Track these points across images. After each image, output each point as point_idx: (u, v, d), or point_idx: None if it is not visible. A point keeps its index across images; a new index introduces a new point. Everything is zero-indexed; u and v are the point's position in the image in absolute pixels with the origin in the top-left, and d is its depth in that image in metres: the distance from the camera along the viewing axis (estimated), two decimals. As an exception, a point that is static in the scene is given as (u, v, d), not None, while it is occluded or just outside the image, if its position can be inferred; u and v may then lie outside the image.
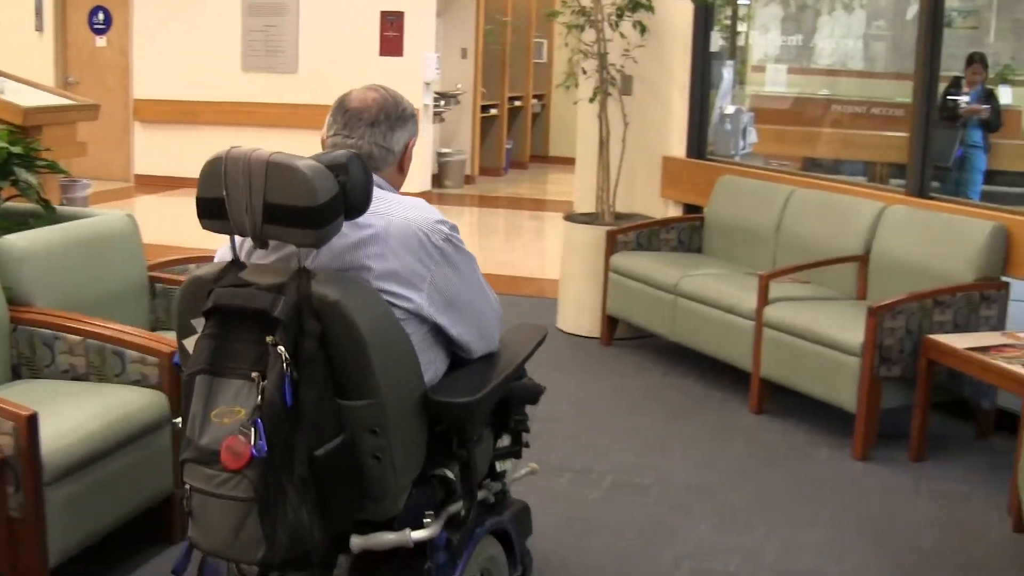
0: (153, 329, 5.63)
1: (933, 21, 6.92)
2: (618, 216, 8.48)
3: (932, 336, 5.87)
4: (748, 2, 12.32)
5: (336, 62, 14.76)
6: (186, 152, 15.34)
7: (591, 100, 8.35)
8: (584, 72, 8.39)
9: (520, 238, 14.03)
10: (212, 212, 3.02)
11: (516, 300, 9.03)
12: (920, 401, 5.92)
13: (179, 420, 3.07)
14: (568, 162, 17.18)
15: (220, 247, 3.34)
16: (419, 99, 14.63)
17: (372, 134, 3.31)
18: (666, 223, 8.29)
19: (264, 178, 2.90)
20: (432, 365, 3.27)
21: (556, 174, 18.48)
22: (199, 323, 3.00)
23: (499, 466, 3.84)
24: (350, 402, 2.98)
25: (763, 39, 14.08)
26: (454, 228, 3.29)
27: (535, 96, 19.49)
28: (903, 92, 13.53)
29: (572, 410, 6.60)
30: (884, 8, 14.84)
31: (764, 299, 6.58)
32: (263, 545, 2.84)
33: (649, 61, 8.51)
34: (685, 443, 6.22)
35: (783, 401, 6.72)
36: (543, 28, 18.77)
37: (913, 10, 13.57)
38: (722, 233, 8.10)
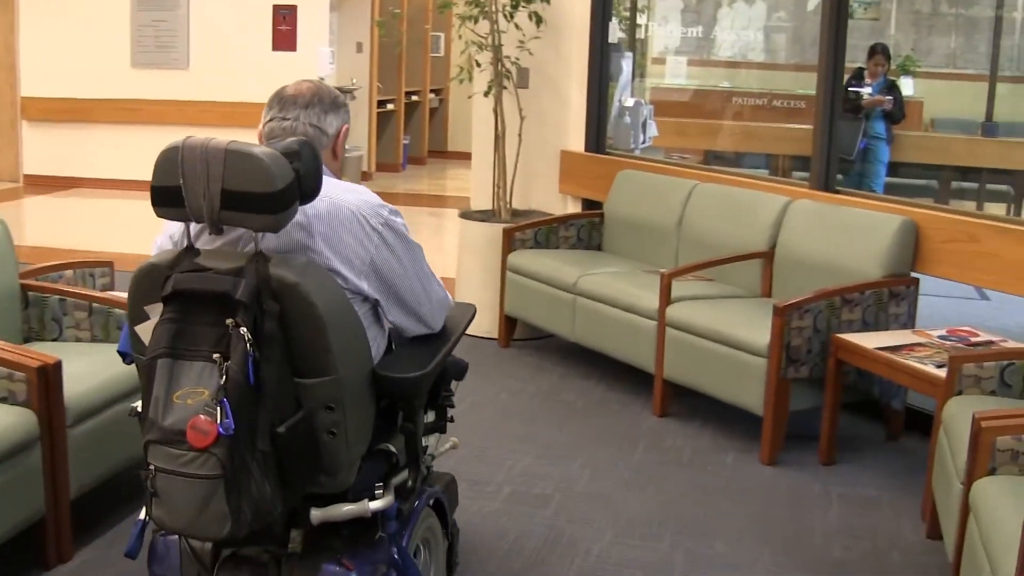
0: (26, 341, 5.30)
1: (837, 12, 6.70)
2: (515, 213, 8.22)
3: (841, 335, 5.66)
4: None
5: (228, 58, 14.41)
6: (77, 151, 15.03)
7: (486, 94, 8.09)
8: (478, 65, 8.11)
9: (419, 236, 13.35)
10: (167, 200, 3.09)
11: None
12: (829, 403, 5.71)
13: (137, 404, 3.16)
14: (467, 157, 16.95)
15: (158, 237, 3.48)
16: (313, 95, 14.23)
17: (307, 115, 3.43)
18: (564, 220, 8.03)
19: (222, 166, 2.99)
20: (375, 343, 3.39)
21: (455, 169, 18.18)
22: (153, 309, 3.10)
23: (423, 441, 3.88)
24: (307, 380, 3.10)
25: (663, 31, 13.94)
26: (394, 212, 3.43)
27: (432, 90, 19.21)
28: (804, 84, 13.53)
29: (468, 416, 6.26)
30: (785, 0, 14.78)
31: (667, 298, 6.34)
32: (229, 520, 2.94)
33: (546, 53, 8.25)
34: (586, 449, 5.96)
35: (687, 404, 6.49)
36: (440, 21, 18.51)
37: (815, 1, 13.55)
38: (622, 229, 7.85)
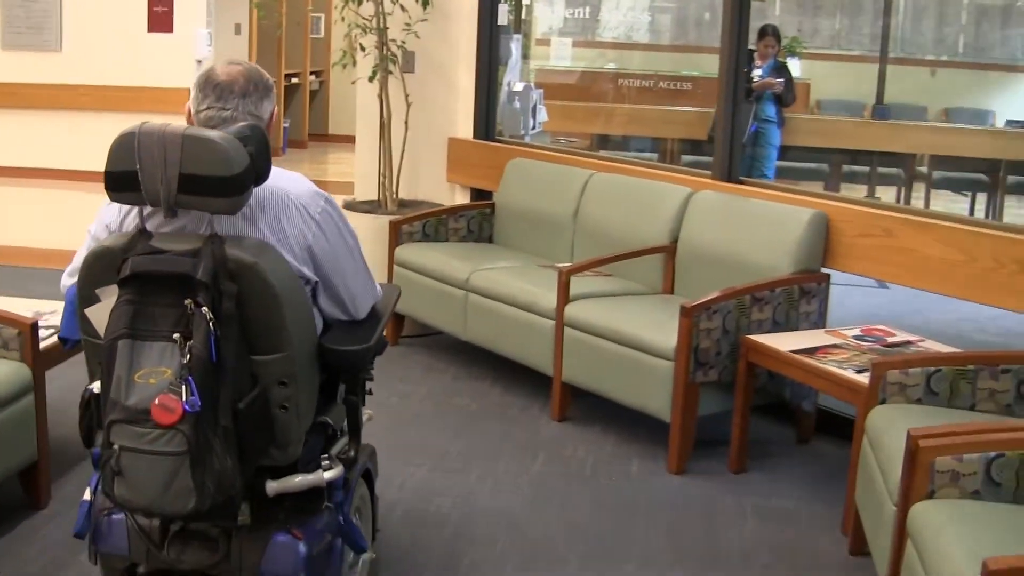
0: None
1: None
2: (402, 204, 7.84)
3: (752, 337, 5.36)
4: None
5: (102, 39, 13.84)
6: None
7: (370, 79, 7.69)
8: (362, 49, 7.71)
9: None
10: (122, 185, 3.17)
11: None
12: (739, 407, 5.41)
13: (94, 386, 3.25)
14: (349, 140, 16.56)
15: (92, 226, 3.54)
16: (190, 78, 13.78)
17: (245, 104, 3.46)
18: (454, 211, 7.65)
19: (180, 151, 3.09)
20: (317, 320, 3.52)
21: (337, 153, 17.71)
22: (105, 291, 3.19)
23: None
24: (262, 357, 3.21)
25: (549, 11, 13.63)
26: (330, 201, 3.50)
27: (313, 72, 18.71)
28: (689, 65, 13.30)
29: (357, 424, 5.91)
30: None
31: (565, 296, 6.00)
32: (194, 495, 3.02)
33: (433, 37, 7.87)
34: (484, 460, 5.61)
35: (588, 406, 6.17)
36: (320, 1, 18.07)
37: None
38: (515, 221, 7.50)
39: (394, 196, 7.75)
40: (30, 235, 10.65)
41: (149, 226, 3.26)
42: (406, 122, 7.69)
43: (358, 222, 7.45)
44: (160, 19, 13.99)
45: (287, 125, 17.65)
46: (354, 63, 7.76)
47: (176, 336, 3.01)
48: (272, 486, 3.38)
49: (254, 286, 3.14)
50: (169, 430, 2.97)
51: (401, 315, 7.37)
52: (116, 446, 3.03)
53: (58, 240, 9.67)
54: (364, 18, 7.60)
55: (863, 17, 14.86)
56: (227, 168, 3.08)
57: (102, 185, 3.24)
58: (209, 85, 3.46)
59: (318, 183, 3.47)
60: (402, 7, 7.58)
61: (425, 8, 7.63)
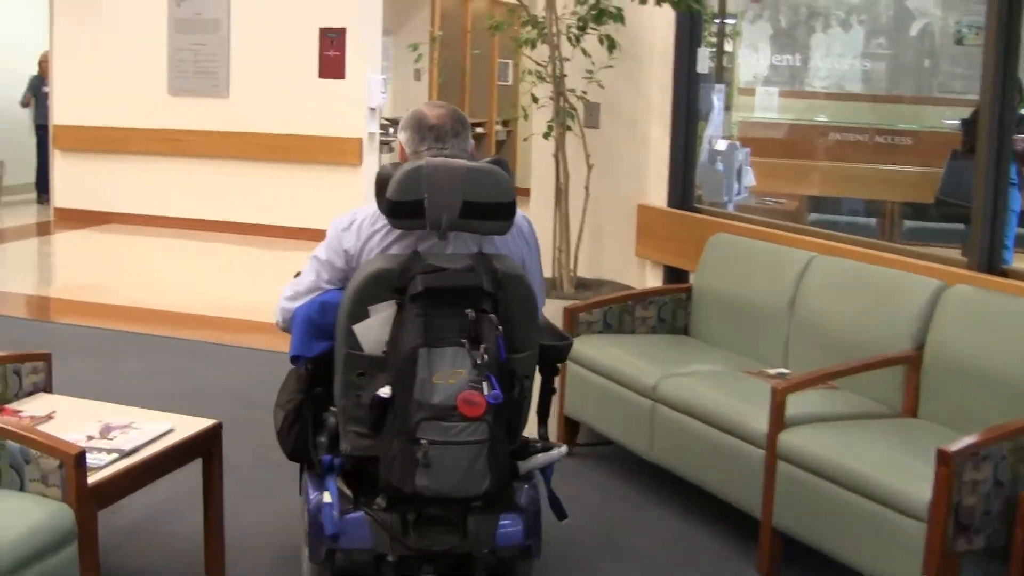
0: None
1: (1006, 34, 5.10)
2: (581, 284, 6.58)
3: (1035, 494, 3.99)
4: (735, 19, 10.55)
5: (271, 85, 13.12)
6: (110, 183, 14.04)
7: (545, 135, 6.47)
8: (535, 101, 6.49)
9: None
10: (406, 212, 3.72)
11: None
12: (1016, 587, 4.02)
13: (380, 392, 3.63)
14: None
15: (323, 251, 4.00)
16: (362, 126, 12.89)
17: (457, 142, 3.98)
18: (643, 297, 6.32)
19: (464, 181, 3.70)
20: None
21: (524, 208, 16.57)
22: (378, 308, 3.72)
23: None
24: (518, 355, 3.78)
25: (754, 58, 12.36)
26: (530, 221, 4.20)
27: (500, 122, 17.60)
28: (908, 118, 11.88)
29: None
30: (885, 25, 13.18)
31: (779, 420, 4.67)
32: (488, 477, 3.61)
33: (620, 86, 6.66)
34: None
35: (808, 564, 4.79)
36: (507, 47, 17.02)
37: (918, 26, 12.00)
38: (716, 310, 6.18)
39: (571, 274, 6.50)
40: (186, 297, 9.60)
41: (420, 249, 3.80)
42: (586, 187, 6.45)
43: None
44: (332, 64, 13.18)
45: (471, 178, 16.52)
46: (525, 116, 6.53)
47: (463, 341, 3.55)
48: (523, 465, 3.89)
49: (519, 294, 3.76)
50: (474, 421, 3.52)
51: (574, 421, 6.11)
52: (424, 440, 3.52)
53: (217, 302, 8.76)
54: (539, 63, 6.39)
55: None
56: (506, 195, 3.73)
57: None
58: (424, 127, 3.97)
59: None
60: (584, 51, 6.38)
61: (611, 52, 6.41)
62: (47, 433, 3.94)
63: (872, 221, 10.62)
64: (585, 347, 5.93)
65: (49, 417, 4.44)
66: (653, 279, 6.93)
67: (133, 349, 8.08)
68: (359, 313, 3.72)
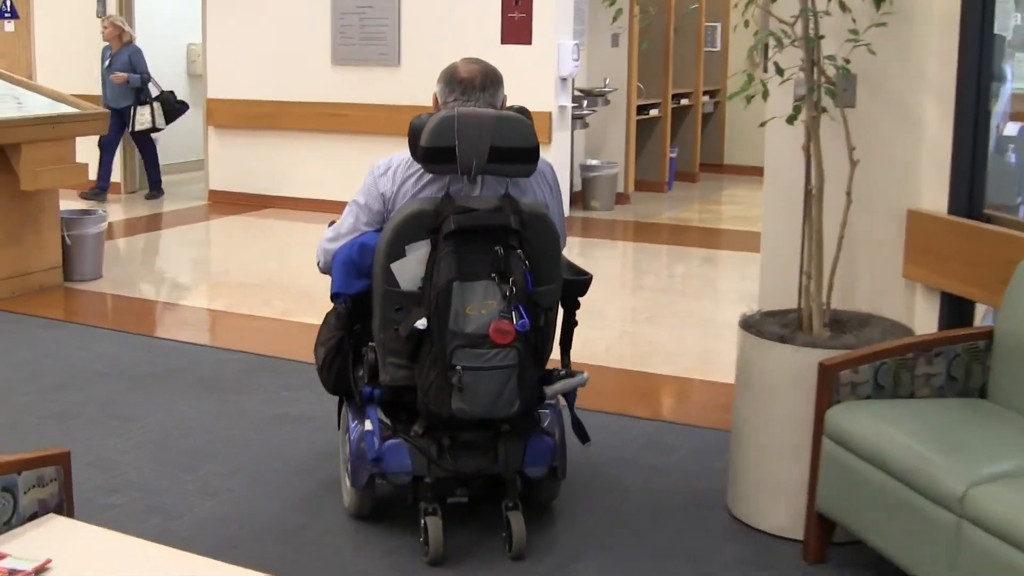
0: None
1: None
2: (836, 321, 4.83)
3: None
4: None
5: (447, 53, 11.50)
6: (267, 164, 13.04)
7: (790, 120, 4.73)
8: (778, 72, 4.72)
9: (683, 302, 9.42)
10: (439, 157, 4.17)
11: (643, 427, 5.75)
12: None
13: (418, 323, 4.09)
14: (748, 172, 14.01)
15: (362, 196, 4.50)
16: (552, 98, 11.42)
17: (484, 97, 4.43)
18: (927, 346, 4.49)
19: (493, 128, 4.17)
20: None
21: (732, 189, 15.01)
22: (414, 247, 4.16)
23: None
24: (542, 288, 4.24)
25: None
26: (551, 166, 4.64)
27: (706, 92, 15.85)
28: None
29: None
30: None
31: None
32: (518, 400, 4.10)
33: (883, 52, 4.85)
34: None
35: None
36: (715, 9, 15.28)
37: None
38: (1030, 366, 4.36)
39: (824, 307, 4.77)
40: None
41: (451, 191, 4.24)
42: (848, 191, 4.70)
43: (762, 358, 4.67)
44: (516, 28, 11.61)
45: (674, 155, 14.92)
46: (764, 94, 4.77)
47: (493, 275, 4.05)
48: (548, 390, 4.34)
49: (543, 231, 4.25)
50: (504, 348, 4.01)
51: (830, 520, 4.40)
52: (459, 367, 4.02)
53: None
54: (783, 21, 4.65)
55: None
56: (531, 140, 4.22)
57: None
58: (455, 81, 4.44)
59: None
60: (842, 4, 4.62)
61: (878, 6, 4.65)
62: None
63: None
64: (848, 419, 4.22)
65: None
66: (926, 309, 5.10)
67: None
68: (396, 252, 4.20)
